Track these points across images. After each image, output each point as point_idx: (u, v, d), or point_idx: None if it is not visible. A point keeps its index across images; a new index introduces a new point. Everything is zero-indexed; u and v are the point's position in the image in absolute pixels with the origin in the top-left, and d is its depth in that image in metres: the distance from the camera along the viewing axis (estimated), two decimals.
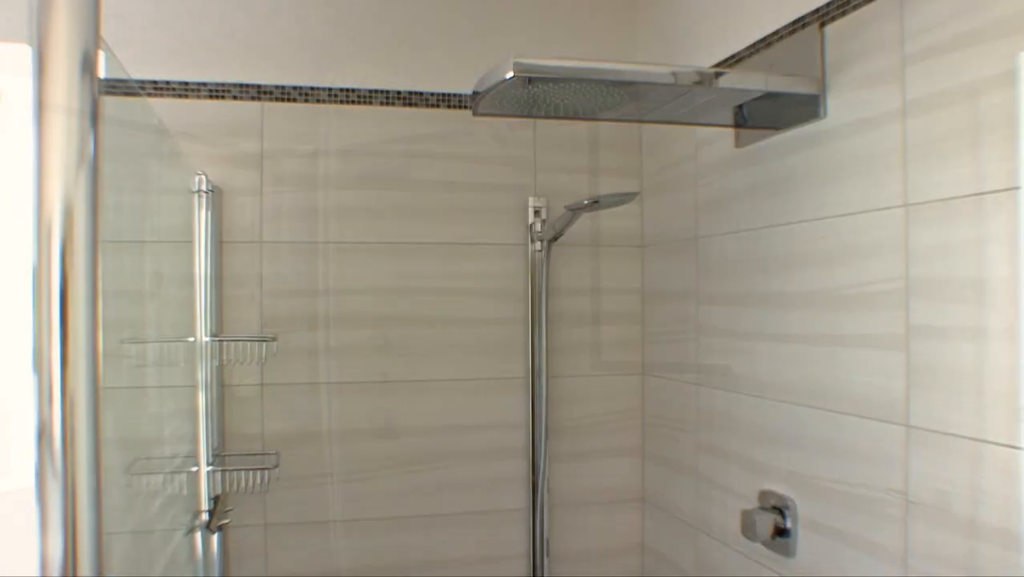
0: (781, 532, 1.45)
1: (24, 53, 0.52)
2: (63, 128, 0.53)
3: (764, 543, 1.52)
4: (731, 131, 1.65)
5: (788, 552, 1.45)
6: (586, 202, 1.61)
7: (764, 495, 1.52)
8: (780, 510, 1.46)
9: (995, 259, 1.02)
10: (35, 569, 0.53)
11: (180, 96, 1.83)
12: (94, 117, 0.54)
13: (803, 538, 1.42)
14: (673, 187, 1.91)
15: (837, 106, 1.33)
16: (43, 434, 0.53)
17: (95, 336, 0.55)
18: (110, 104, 0.58)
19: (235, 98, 1.86)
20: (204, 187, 1.72)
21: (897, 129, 1.20)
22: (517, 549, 2.03)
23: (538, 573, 2.01)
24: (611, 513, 2.09)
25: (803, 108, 1.40)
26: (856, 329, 1.28)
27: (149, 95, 1.81)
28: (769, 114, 1.48)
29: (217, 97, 1.85)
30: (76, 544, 0.54)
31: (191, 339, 1.64)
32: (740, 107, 1.50)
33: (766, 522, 1.45)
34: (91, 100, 0.54)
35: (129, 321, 1.07)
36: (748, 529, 1.46)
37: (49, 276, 0.53)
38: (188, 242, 1.67)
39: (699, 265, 1.79)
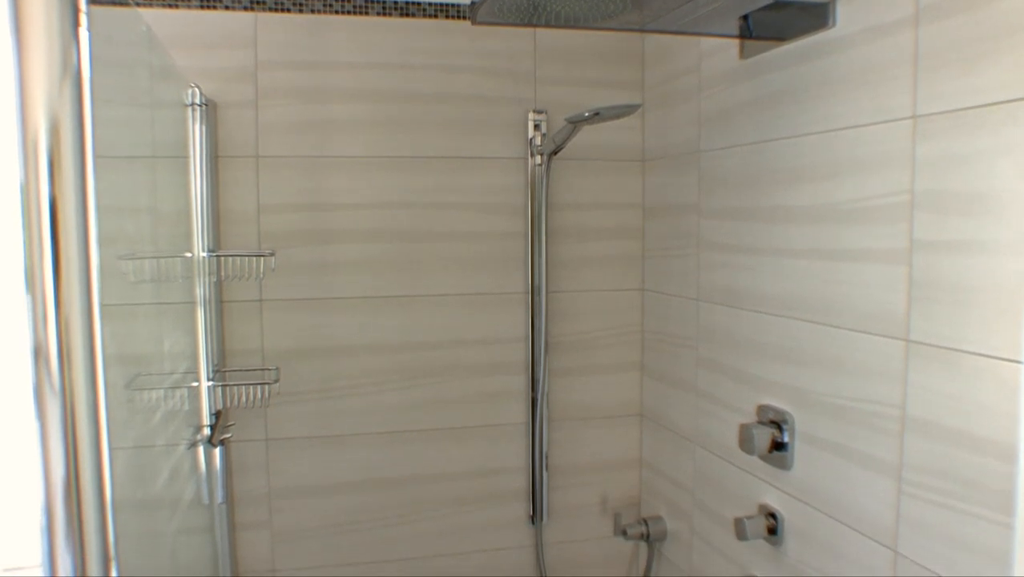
0: (778, 446, 1.47)
1: None
2: (43, 39, 0.51)
3: (761, 457, 1.54)
4: (736, 42, 1.60)
5: (785, 465, 1.47)
6: (587, 114, 1.58)
7: (762, 409, 1.53)
8: (778, 424, 1.48)
9: (1004, 172, 1.00)
10: (38, 487, 0.53)
11: (170, 6, 1.78)
12: (75, 26, 0.52)
13: (800, 452, 1.44)
14: (675, 100, 1.88)
15: (847, 14, 1.29)
16: (39, 354, 0.53)
17: (88, 253, 0.54)
18: (96, 14, 0.56)
19: (227, 8, 1.81)
20: (197, 100, 1.68)
21: (908, 37, 1.16)
22: (516, 463, 2.06)
23: (537, 486, 2.05)
24: (610, 428, 2.12)
25: (811, 17, 1.36)
26: (858, 243, 1.27)
27: (138, 5, 1.76)
28: (775, 24, 1.43)
29: (208, 7, 1.80)
30: (78, 460, 0.54)
31: (188, 255, 1.63)
32: (745, 17, 1.46)
33: (764, 436, 1.47)
34: (72, 8, 0.52)
35: (125, 237, 1.06)
36: (746, 443, 1.48)
37: (38, 193, 0.52)
38: (183, 157, 1.65)
39: (701, 179, 1.76)
